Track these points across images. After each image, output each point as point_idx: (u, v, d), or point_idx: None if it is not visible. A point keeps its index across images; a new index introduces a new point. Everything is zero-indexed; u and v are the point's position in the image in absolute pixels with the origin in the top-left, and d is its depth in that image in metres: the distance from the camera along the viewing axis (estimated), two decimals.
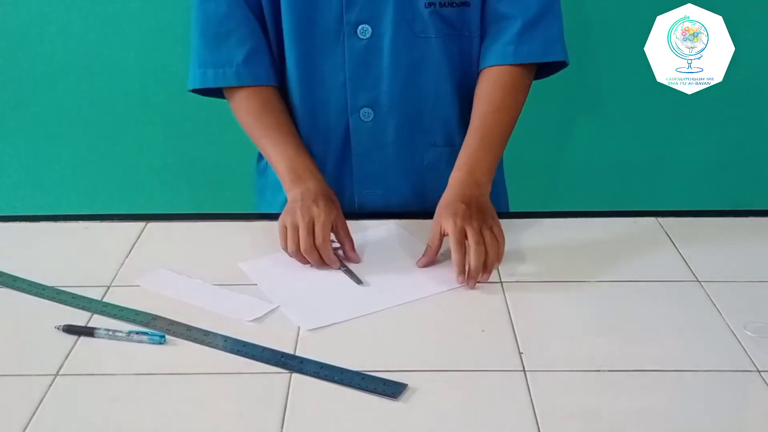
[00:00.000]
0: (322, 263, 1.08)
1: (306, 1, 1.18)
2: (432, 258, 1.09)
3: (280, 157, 1.18)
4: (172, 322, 0.97)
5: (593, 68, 2.00)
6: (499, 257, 1.07)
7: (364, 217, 1.24)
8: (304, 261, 1.08)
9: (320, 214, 1.08)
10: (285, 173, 1.16)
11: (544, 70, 1.25)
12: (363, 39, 1.19)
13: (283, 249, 1.09)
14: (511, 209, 1.40)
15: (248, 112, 1.22)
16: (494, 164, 1.18)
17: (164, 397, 0.86)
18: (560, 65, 1.24)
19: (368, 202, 1.30)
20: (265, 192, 1.36)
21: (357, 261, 1.10)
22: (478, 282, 1.04)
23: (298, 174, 1.16)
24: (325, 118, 1.25)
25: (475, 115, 1.20)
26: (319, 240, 1.07)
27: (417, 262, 1.09)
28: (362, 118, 1.24)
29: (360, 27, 1.19)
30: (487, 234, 1.06)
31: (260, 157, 1.36)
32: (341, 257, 1.09)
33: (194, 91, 1.25)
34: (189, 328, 0.96)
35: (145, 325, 0.96)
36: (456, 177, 1.15)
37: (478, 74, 1.24)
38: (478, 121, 1.20)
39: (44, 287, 1.04)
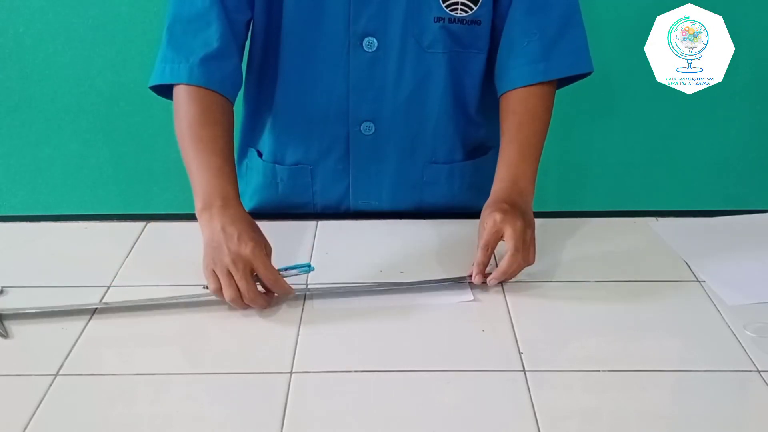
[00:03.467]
0: (268, 304, 0.99)
1: (312, 10, 1.16)
2: (486, 260, 1.03)
3: (198, 175, 1.07)
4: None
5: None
6: (527, 266, 1.04)
7: (359, 217, 1.24)
8: (245, 306, 0.98)
9: (259, 261, 0.97)
10: (198, 196, 1.05)
11: (566, 79, 1.22)
12: (369, 52, 1.17)
13: (215, 293, 0.98)
14: None
15: (186, 116, 1.12)
16: (535, 173, 1.15)
17: (164, 397, 0.86)
18: (583, 74, 1.22)
19: (363, 211, 1.29)
20: (243, 197, 1.35)
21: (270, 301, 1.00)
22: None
23: (211, 200, 1.03)
24: (323, 128, 1.23)
25: (509, 127, 1.17)
26: (273, 277, 0.97)
27: (473, 278, 1.03)
28: (363, 131, 1.22)
29: (366, 39, 1.16)
30: (526, 241, 1.02)
31: (240, 161, 1.34)
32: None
33: (154, 89, 1.17)
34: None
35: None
36: (499, 188, 1.11)
37: (496, 92, 1.20)
38: (515, 131, 1.16)
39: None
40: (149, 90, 1.19)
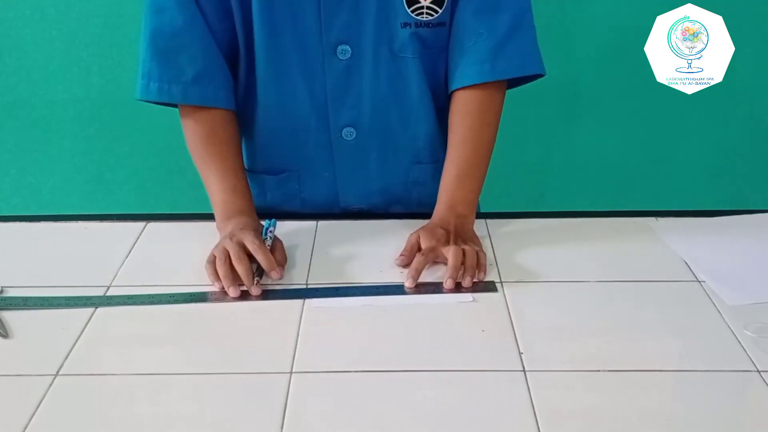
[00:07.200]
0: (246, 276, 1.03)
1: (282, 22, 1.16)
2: (405, 263, 1.08)
3: (216, 194, 1.17)
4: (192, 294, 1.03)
5: (593, 68, 2.01)
6: (479, 267, 1.06)
7: (349, 218, 1.25)
8: (231, 279, 1.02)
9: (247, 235, 1.07)
10: (217, 213, 1.16)
11: (519, 79, 1.22)
12: (343, 59, 1.18)
13: (212, 278, 1.04)
14: (512, 209, 1.40)
15: (194, 137, 1.19)
16: (475, 192, 1.19)
17: (164, 397, 0.86)
18: (536, 75, 1.21)
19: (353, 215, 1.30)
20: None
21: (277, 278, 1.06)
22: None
23: (229, 215, 1.14)
24: (305, 137, 1.24)
25: (450, 145, 1.20)
26: (256, 243, 1.05)
27: (395, 260, 1.10)
28: (344, 137, 1.23)
29: (339, 47, 1.17)
30: (465, 247, 1.07)
31: None
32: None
33: (145, 101, 1.20)
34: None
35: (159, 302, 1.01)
36: (437, 210, 1.17)
37: (449, 93, 1.21)
38: (453, 151, 1.19)
39: (47, 298, 1.02)
40: None
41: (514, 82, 1.22)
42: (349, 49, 1.17)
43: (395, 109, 1.22)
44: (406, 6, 1.15)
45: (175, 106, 1.21)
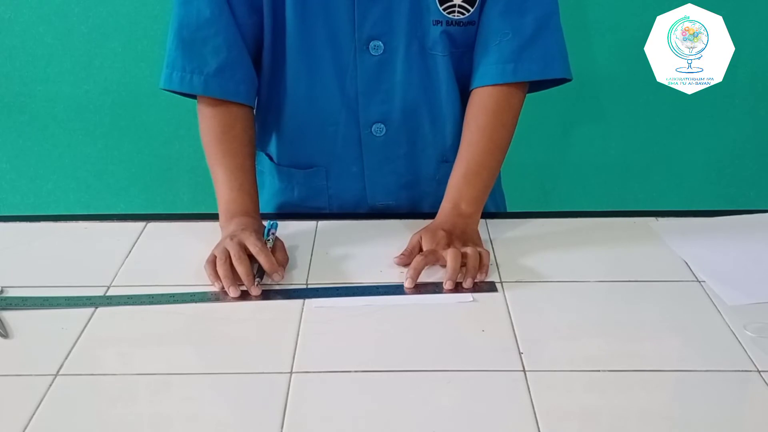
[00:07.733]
0: (247, 277, 1.02)
1: (315, 16, 1.16)
2: (404, 263, 1.08)
3: (222, 191, 1.16)
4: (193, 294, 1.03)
5: (593, 68, 2.01)
6: (481, 267, 1.05)
7: (350, 218, 1.25)
8: (231, 280, 1.02)
9: (249, 236, 1.06)
10: (221, 211, 1.15)
11: (543, 83, 1.21)
12: (375, 55, 1.18)
13: (212, 278, 1.04)
14: (510, 209, 1.40)
15: (209, 131, 1.19)
16: (482, 192, 1.18)
17: (164, 397, 0.86)
18: (561, 79, 1.21)
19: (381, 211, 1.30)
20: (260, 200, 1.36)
21: (278, 279, 1.05)
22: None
23: (232, 214, 1.14)
24: (334, 132, 1.24)
25: (462, 143, 1.19)
26: (258, 246, 1.05)
27: (394, 259, 1.10)
28: (374, 132, 1.23)
29: (372, 43, 1.17)
30: (466, 249, 1.07)
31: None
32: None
33: (168, 90, 1.20)
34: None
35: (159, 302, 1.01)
36: (442, 208, 1.16)
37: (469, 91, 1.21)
38: (465, 149, 1.19)
39: (47, 298, 1.02)
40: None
41: (538, 85, 1.22)
42: (382, 45, 1.18)
43: (425, 106, 1.23)
44: (438, 4, 1.15)
45: (196, 98, 1.21)
